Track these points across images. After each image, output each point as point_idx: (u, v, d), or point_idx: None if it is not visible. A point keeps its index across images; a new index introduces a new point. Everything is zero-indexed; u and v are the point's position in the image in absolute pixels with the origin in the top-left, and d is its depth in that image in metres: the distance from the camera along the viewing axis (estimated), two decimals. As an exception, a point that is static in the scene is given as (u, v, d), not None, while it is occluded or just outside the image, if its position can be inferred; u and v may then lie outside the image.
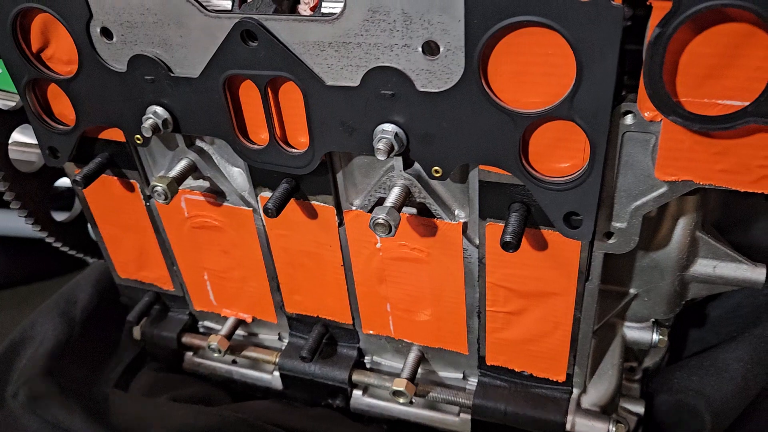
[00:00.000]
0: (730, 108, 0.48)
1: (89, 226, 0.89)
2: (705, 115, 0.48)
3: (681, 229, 0.68)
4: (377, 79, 0.55)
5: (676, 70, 0.48)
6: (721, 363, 0.79)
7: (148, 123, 0.64)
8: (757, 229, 0.83)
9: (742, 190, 0.53)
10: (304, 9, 0.61)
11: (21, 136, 0.87)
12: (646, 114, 0.52)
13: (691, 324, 0.93)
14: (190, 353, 0.90)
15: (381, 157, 0.57)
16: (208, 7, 0.58)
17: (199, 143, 0.72)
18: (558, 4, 0.47)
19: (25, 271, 1.71)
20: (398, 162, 0.63)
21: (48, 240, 0.86)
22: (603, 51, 0.48)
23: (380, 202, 0.66)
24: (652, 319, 0.76)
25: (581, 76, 0.49)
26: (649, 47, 0.46)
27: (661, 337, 0.76)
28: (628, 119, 0.53)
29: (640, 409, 0.78)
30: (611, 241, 0.60)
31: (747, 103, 0.46)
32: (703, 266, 0.71)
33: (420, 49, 0.53)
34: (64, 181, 0.91)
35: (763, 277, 0.69)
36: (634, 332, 0.77)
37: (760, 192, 0.53)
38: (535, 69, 0.51)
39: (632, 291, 0.74)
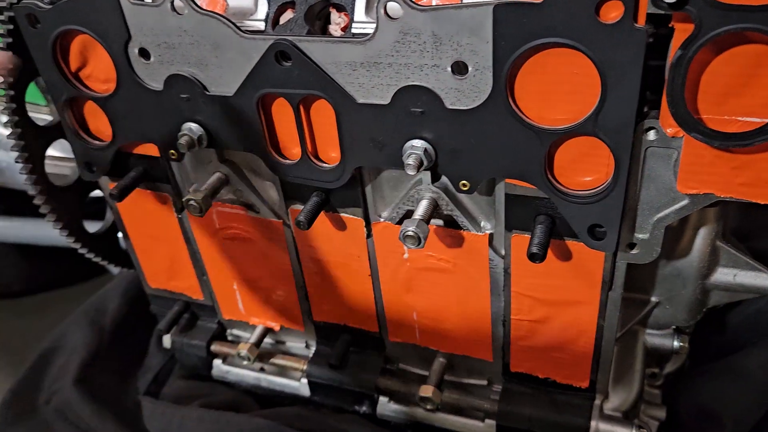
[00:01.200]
0: (750, 125, 0.50)
1: (120, 236, 0.91)
2: (725, 132, 0.50)
3: (702, 238, 0.70)
4: (407, 98, 0.58)
5: (698, 88, 0.50)
6: (741, 369, 0.80)
7: (183, 140, 0.67)
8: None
9: (762, 203, 0.55)
10: (335, 29, 0.63)
11: (55, 151, 0.89)
12: (668, 130, 0.53)
13: (712, 331, 0.94)
14: (218, 361, 0.93)
15: (411, 172, 0.59)
16: (243, 29, 0.61)
17: (231, 158, 0.74)
18: (583, 26, 0.49)
19: (46, 278, 1.75)
20: (426, 176, 0.65)
21: (81, 251, 0.89)
22: (627, 71, 0.50)
23: (408, 214, 0.68)
24: (674, 326, 0.78)
25: (606, 94, 0.51)
26: (671, 68, 0.48)
27: (682, 344, 0.78)
28: (651, 135, 0.55)
29: (661, 414, 0.79)
30: (634, 251, 0.62)
31: (766, 120, 0.48)
32: (723, 275, 0.72)
33: (449, 68, 0.55)
34: (96, 192, 0.94)
35: (782, 285, 0.71)
36: (656, 339, 0.79)
37: (779, 204, 0.54)
38: (560, 87, 0.53)
39: (654, 299, 0.75)
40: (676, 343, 0.78)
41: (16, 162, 0.78)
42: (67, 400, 0.93)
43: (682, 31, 0.48)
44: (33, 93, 0.79)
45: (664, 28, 0.50)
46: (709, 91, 0.50)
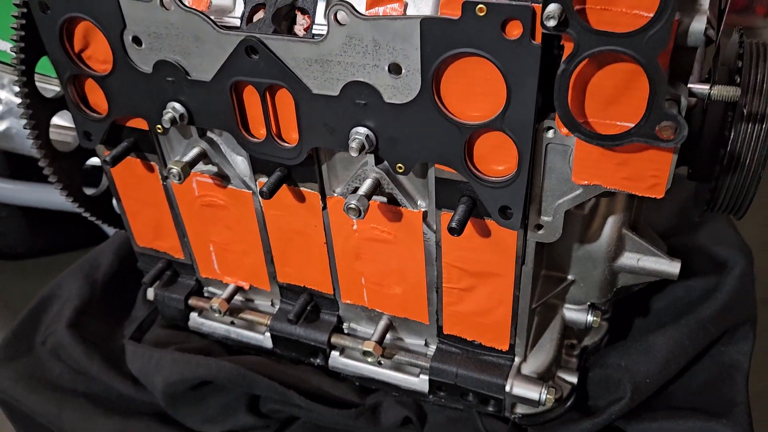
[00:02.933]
0: (624, 128, 0.60)
1: (114, 200, 1.02)
2: (603, 133, 0.60)
3: (610, 226, 0.81)
4: (353, 91, 0.68)
5: (584, 96, 0.61)
6: (649, 345, 0.91)
7: (167, 116, 0.78)
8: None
9: (640, 195, 0.66)
10: (299, 29, 0.74)
11: (60, 120, 1.01)
12: (562, 130, 0.64)
13: (636, 314, 1.05)
14: (195, 314, 1.04)
15: (354, 154, 0.70)
16: (220, 25, 0.72)
17: (209, 134, 0.85)
18: (491, 40, 0.59)
19: (49, 243, 1.86)
20: (371, 158, 0.76)
21: (78, 210, 1.00)
22: (525, 79, 0.60)
23: (356, 191, 0.79)
24: (588, 303, 0.89)
25: (510, 97, 0.62)
26: (557, 78, 0.59)
27: (595, 318, 0.88)
28: (550, 134, 0.65)
29: (573, 379, 0.91)
30: (540, 232, 0.73)
31: (632, 125, 0.59)
32: (629, 259, 0.83)
33: (386, 68, 0.65)
34: (93, 161, 1.05)
35: (677, 270, 0.82)
36: (572, 313, 0.90)
37: (653, 197, 0.65)
38: (476, 89, 0.64)
39: (570, 277, 0.86)
40: (589, 318, 0.89)
41: (24, 128, 0.89)
42: (61, 341, 1.05)
43: (569, 49, 0.58)
44: (45, 65, 0.89)
45: (558, 48, 0.60)
46: (594, 98, 0.60)
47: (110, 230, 1.17)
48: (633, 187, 0.65)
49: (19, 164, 1.57)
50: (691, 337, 0.90)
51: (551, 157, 0.67)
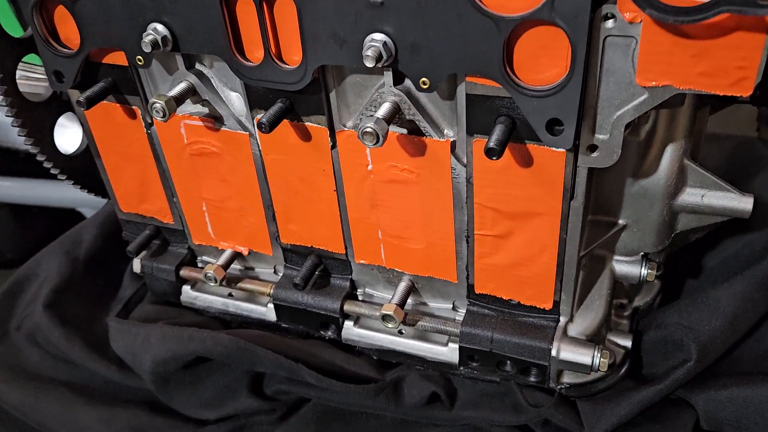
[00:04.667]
0: None
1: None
2: (680, 6, 0.49)
3: (669, 155, 0.69)
4: (367, -13, 0.57)
5: (654, -34, 0.49)
6: (711, 300, 0.79)
7: (148, 39, 0.66)
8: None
9: (721, 94, 0.54)
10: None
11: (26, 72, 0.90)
12: (626, 15, 0.53)
13: (688, 274, 0.93)
14: (187, 287, 0.92)
15: (369, 64, 0.58)
16: None
17: (198, 66, 0.74)
18: None
19: (40, 249, 1.75)
20: (388, 78, 0.65)
21: (53, 171, 0.89)
22: (582, -53, 0.49)
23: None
24: (642, 253, 0.77)
25: (562, -25, 0.50)
26: (624, -62, 0.47)
27: (649, 271, 0.76)
28: (609, 23, 0.54)
29: (627, 342, 0.79)
30: (595, 154, 0.61)
31: (721, -5, 0.47)
32: (691, 195, 0.71)
33: (407, -47, 0.54)
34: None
35: (750, 207, 0.70)
36: (623, 266, 0.78)
37: (738, 95, 0.54)
38: (517, -29, 0.53)
39: (621, 221, 0.74)
40: (644, 271, 0.77)
41: (-15, 70, 0.78)
42: (37, 323, 0.93)
43: None
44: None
45: None
46: (666, -31, 0.49)
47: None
48: (713, 85, 0.54)
49: (7, 159, 1.47)
50: (761, 291, 0.78)
51: (610, 55, 0.56)
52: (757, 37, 0.50)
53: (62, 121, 0.91)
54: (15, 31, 0.83)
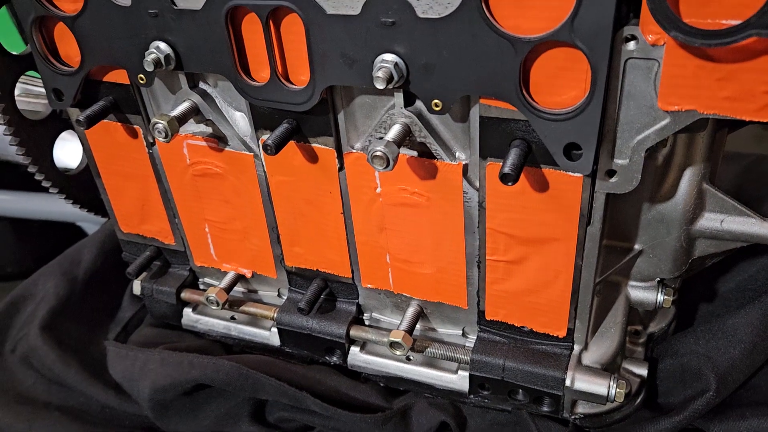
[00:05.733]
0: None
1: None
2: (707, 29, 0.47)
3: (687, 179, 0.67)
4: (378, 6, 0.55)
5: (678, -12, 0.47)
6: (729, 328, 0.76)
7: (150, 57, 0.65)
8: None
9: (747, 120, 0.52)
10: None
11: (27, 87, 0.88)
12: (648, 37, 0.51)
13: (702, 298, 0.91)
14: (188, 309, 0.90)
15: (380, 85, 0.56)
16: (211, -64, 0.58)
17: (202, 85, 0.72)
18: None
19: (40, 262, 1.73)
20: (399, 99, 0.63)
21: (52, 191, 0.86)
22: (603, -33, 0.47)
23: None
24: (658, 279, 0.75)
25: (581, -5, 0.49)
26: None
27: (666, 297, 0.74)
28: (631, 45, 0.52)
29: (643, 371, 0.76)
30: (613, 179, 0.59)
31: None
32: (710, 220, 0.69)
33: (420, -28, 0.52)
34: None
35: (771, 232, 0.68)
36: (639, 292, 0.75)
37: (765, 121, 0.51)
38: (536, -9, 0.51)
39: (637, 247, 0.72)
40: (660, 297, 0.74)
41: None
42: (33, 346, 0.91)
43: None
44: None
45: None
46: (691, -10, 0.47)
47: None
48: (739, 110, 0.51)
49: (7, 172, 1.46)
50: (779, 318, 0.76)
51: (631, 78, 0.54)
52: (786, 60, 0.48)
53: (65, 135, 0.89)
54: (15, 47, 0.81)
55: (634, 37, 0.51)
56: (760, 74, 0.49)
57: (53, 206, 1.29)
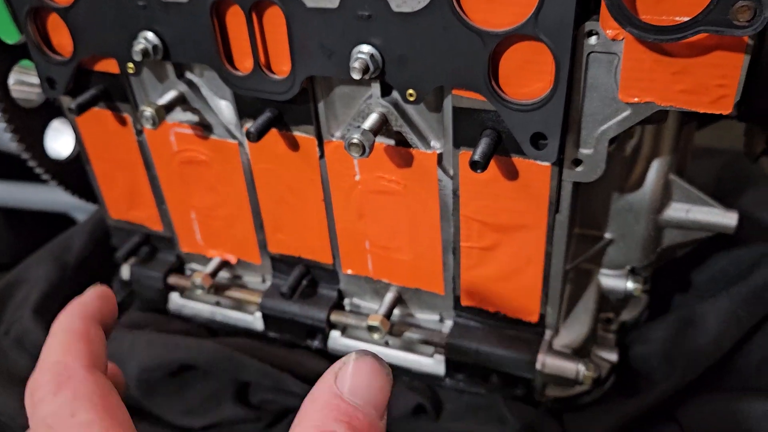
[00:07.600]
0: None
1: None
2: (659, 25, 0.49)
3: (655, 170, 0.70)
4: (354, 0, 0.58)
5: (636, -14, 0.50)
6: (697, 317, 0.79)
7: (138, 47, 0.67)
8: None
9: (701, 111, 0.54)
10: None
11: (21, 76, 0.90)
12: (608, 32, 0.53)
13: (675, 289, 0.93)
14: (175, 294, 0.92)
15: (356, 76, 0.59)
16: (197, -69, 0.61)
17: (188, 75, 0.74)
18: None
19: (30, 246, 1.74)
20: (376, 90, 0.65)
21: (44, 177, 0.89)
22: (564, -36, 0.50)
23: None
24: (628, 267, 0.77)
25: (545, -9, 0.51)
26: (605, -43, 0.48)
27: (636, 285, 0.77)
28: (593, 40, 0.54)
29: (613, 356, 0.79)
30: (579, 168, 0.62)
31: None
32: (676, 210, 0.72)
33: (394, -33, 0.55)
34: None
35: (734, 222, 0.70)
36: (610, 280, 0.78)
37: (718, 113, 0.54)
38: (502, -13, 0.53)
39: (607, 235, 0.75)
40: (629, 285, 0.77)
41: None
42: (26, 328, 0.93)
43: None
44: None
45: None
46: (647, -11, 0.50)
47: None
48: (693, 102, 0.54)
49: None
50: (746, 308, 0.78)
51: (593, 71, 0.56)
52: (735, 56, 0.51)
53: (57, 125, 0.91)
54: (9, 37, 0.83)
55: (595, 32, 0.54)
56: (711, 68, 0.52)
57: (45, 196, 1.31)
